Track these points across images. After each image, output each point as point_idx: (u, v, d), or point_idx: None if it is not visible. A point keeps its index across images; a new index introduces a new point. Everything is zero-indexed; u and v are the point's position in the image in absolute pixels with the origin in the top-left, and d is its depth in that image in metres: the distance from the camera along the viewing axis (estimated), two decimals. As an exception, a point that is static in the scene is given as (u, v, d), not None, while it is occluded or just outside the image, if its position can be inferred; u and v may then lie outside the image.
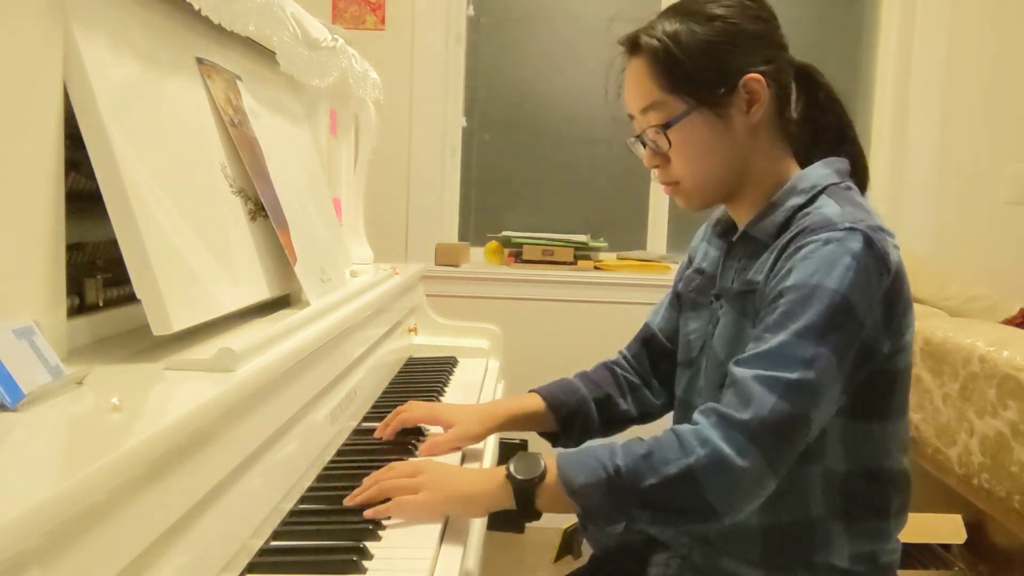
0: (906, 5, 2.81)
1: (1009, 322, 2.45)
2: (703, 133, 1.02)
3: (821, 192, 1.01)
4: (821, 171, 1.04)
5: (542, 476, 0.91)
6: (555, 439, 1.24)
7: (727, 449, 0.87)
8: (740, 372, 0.92)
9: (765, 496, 0.90)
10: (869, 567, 1.03)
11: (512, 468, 0.92)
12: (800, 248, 0.95)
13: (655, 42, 1.02)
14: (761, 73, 1.01)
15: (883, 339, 0.96)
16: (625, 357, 1.29)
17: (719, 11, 1.02)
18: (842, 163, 1.06)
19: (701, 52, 1.01)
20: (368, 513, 0.89)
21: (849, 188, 1.03)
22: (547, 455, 0.96)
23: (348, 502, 0.93)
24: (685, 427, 0.91)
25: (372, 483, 0.94)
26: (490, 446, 1.26)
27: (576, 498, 0.90)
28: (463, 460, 1.15)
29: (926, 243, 2.76)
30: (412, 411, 1.18)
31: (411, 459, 1.07)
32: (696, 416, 0.92)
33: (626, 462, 0.89)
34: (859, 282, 0.91)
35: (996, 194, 2.81)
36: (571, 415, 1.20)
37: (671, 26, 1.02)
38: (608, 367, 1.27)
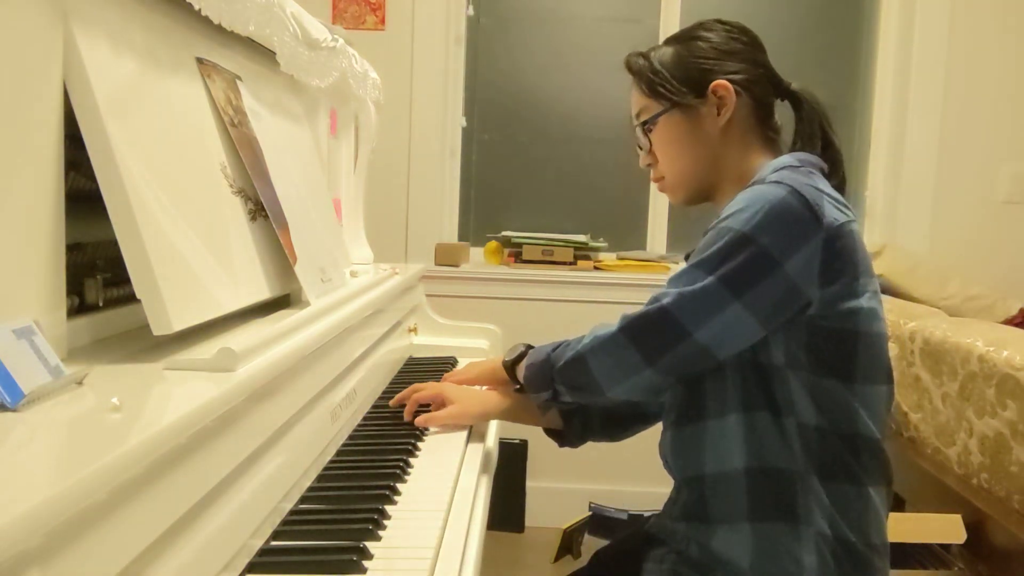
0: (905, 6, 2.81)
1: (1009, 322, 2.45)
2: (676, 131, 1.18)
3: (780, 171, 1.08)
4: (785, 159, 1.12)
5: (520, 358, 1.24)
6: (560, 437, 1.33)
7: (605, 336, 1.09)
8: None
9: (648, 386, 1.08)
10: (859, 544, 1.03)
11: (505, 354, 1.28)
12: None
13: (641, 60, 1.21)
14: (732, 80, 1.14)
15: (813, 289, 1.01)
16: None
17: (701, 34, 1.18)
18: (808, 156, 1.14)
19: (675, 64, 1.18)
20: (420, 420, 1.25)
21: (811, 173, 1.08)
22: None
23: (394, 403, 1.32)
24: (597, 328, 1.12)
25: (409, 392, 1.31)
26: (491, 440, 1.28)
27: (524, 373, 1.22)
28: (468, 439, 1.24)
29: (924, 242, 2.77)
30: (424, 391, 1.32)
31: (431, 384, 1.34)
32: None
33: (554, 352, 1.17)
34: (770, 224, 1.00)
35: (994, 193, 2.81)
36: (571, 410, 1.29)
37: (659, 50, 1.21)
38: None
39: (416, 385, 1.33)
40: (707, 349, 1.03)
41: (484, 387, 1.34)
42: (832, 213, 1.02)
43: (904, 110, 2.81)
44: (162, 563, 0.63)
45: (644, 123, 1.20)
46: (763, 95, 1.18)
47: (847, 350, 1.05)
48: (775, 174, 1.06)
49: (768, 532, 1.04)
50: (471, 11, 2.89)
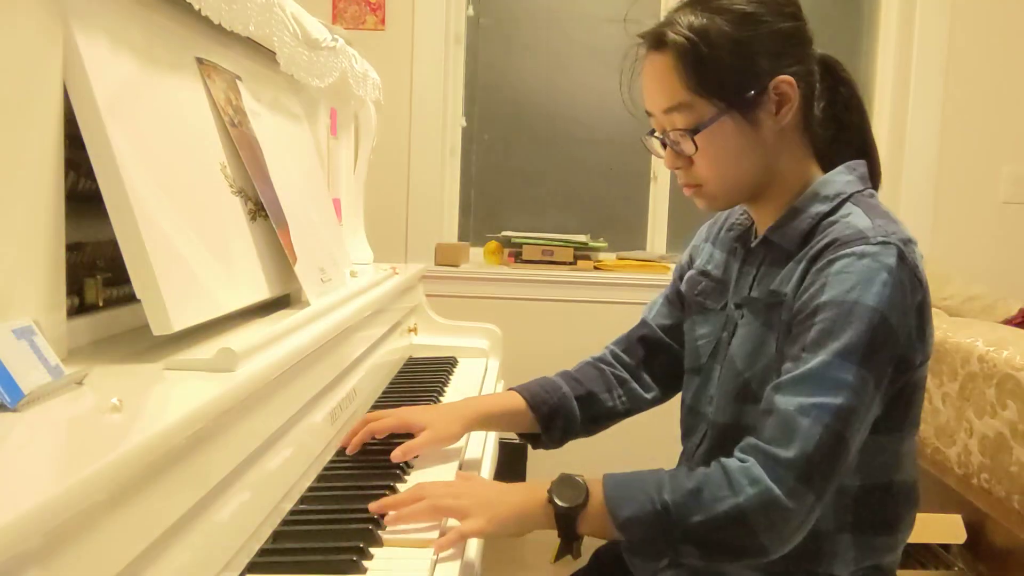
0: (905, 5, 2.81)
1: (1009, 322, 2.45)
2: (732, 137, 0.98)
3: (846, 200, 0.99)
4: (844, 177, 1.02)
5: (584, 502, 0.90)
6: (536, 440, 1.21)
7: (777, 491, 0.85)
8: (781, 401, 0.89)
9: (811, 524, 0.89)
10: (871, 572, 1.03)
11: (555, 495, 0.91)
12: (833, 262, 0.93)
13: (683, 40, 0.96)
14: (792, 74, 0.98)
15: (917, 351, 0.95)
16: (612, 352, 1.26)
17: (750, 8, 0.97)
18: (863, 167, 1.04)
19: (732, 53, 0.96)
20: (442, 544, 0.85)
21: (872, 196, 1.01)
22: (591, 474, 0.94)
23: (391, 519, 0.89)
24: (734, 463, 0.89)
25: (413, 499, 0.91)
26: (489, 449, 1.25)
27: (623, 531, 0.89)
28: (460, 467, 1.12)
29: (924, 242, 2.76)
30: (381, 420, 1.11)
31: (446, 480, 1.00)
32: (739, 455, 0.90)
33: (674, 497, 0.88)
34: (895, 298, 0.90)
35: (995, 194, 2.81)
36: (552, 412, 1.17)
37: (699, 21, 0.97)
38: (593, 364, 1.25)
39: (407, 494, 0.93)
40: (852, 454, 0.89)
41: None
42: (921, 265, 0.94)
43: (904, 111, 2.81)
44: (162, 563, 0.62)
45: (692, 131, 0.97)
46: (814, 81, 1.02)
47: (905, 403, 0.99)
48: (875, 226, 0.94)
49: (784, 570, 1.00)
50: (471, 11, 2.89)
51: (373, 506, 0.91)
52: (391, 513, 0.90)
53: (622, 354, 1.26)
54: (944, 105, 2.78)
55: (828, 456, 0.87)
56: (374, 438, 1.11)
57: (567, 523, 0.90)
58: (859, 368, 0.88)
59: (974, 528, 1.96)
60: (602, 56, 2.89)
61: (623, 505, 0.89)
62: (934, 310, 1.63)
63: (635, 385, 1.23)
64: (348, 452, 1.09)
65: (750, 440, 0.91)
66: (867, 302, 0.89)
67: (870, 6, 2.90)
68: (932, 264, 2.59)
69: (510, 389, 1.21)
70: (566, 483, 0.92)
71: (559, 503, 0.90)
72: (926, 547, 2.07)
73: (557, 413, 1.18)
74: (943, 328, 2.00)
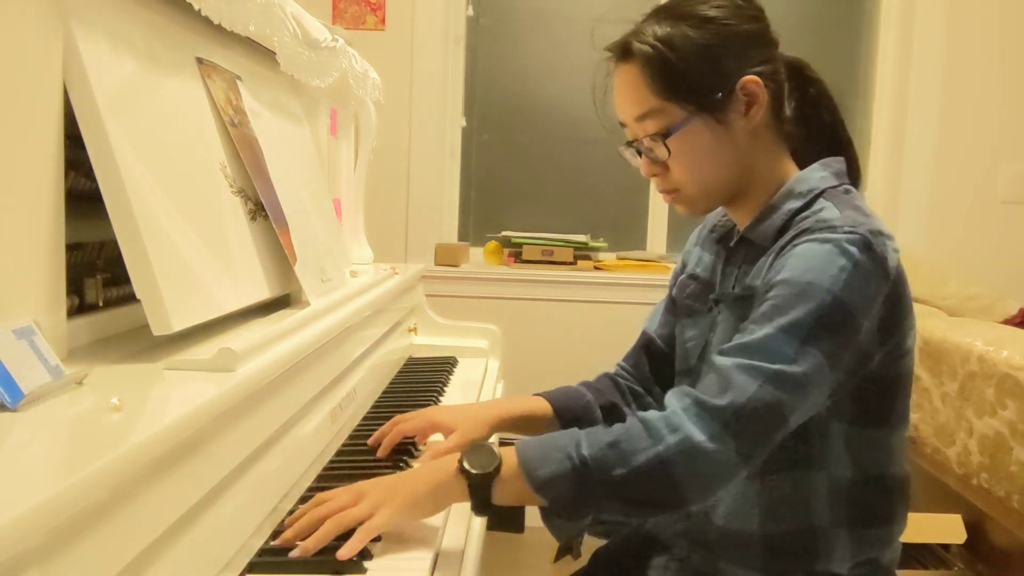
0: (905, 5, 2.81)
1: (1008, 322, 2.45)
2: (704, 139, 1.00)
3: (819, 195, 1.00)
4: (818, 173, 1.02)
5: (497, 469, 0.87)
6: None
7: (699, 436, 0.85)
8: (720, 360, 0.90)
9: (733, 483, 0.88)
10: (870, 570, 1.03)
11: (465, 462, 0.87)
12: (797, 246, 0.94)
13: (648, 48, 0.99)
14: (758, 74, 0.99)
15: (876, 346, 0.95)
16: (624, 368, 1.27)
17: (712, 13, 0.99)
18: (839, 163, 1.05)
19: (697, 56, 0.98)
20: (342, 553, 0.79)
21: (848, 191, 1.02)
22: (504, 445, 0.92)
23: (297, 553, 0.81)
24: (653, 413, 0.89)
25: (316, 521, 0.84)
26: (491, 440, 1.25)
27: (542, 492, 0.86)
28: None
29: (923, 242, 2.77)
30: (409, 421, 1.12)
31: (348, 485, 0.90)
32: (668, 399, 0.90)
33: (592, 452, 0.86)
34: (855, 285, 0.90)
35: (994, 193, 2.81)
36: (575, 420, 1.16)
37: (663, 30, 0.99)
38: (610, 377, 1.25)
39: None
40: (787, 427, 0.89)
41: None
42: (892, 258, 0.94)
43: (903, 109, 2.81)
44: (162, 563, 0.63)
45: (664, 135, 0.99)
46: (782, 81, 1.04)
47: (893, 396, 1.00)
48: (844, 217, 0.94)
49: (782, 569, 1.02)
50: (471, 11, 2.89)
51: (278, 541, 0.83)
52: (298, 546, 0.81)
53: (631, 368, 1.26)
54: (943, 104, 2.78)
55: (759, 415, 0.86)
56: (405, 437, 1.11)
57: (481, 491, 0.87)
58: (802, 345, 0.88)
59: (974, 528, 1.96)
60: (602, 56, 2.89)
61: (540, 466, 0.86)
62: (931, 309, 1.64)
63: (650, 400, 1.24)
64: (379, 455, 1.09)
65: (684, 387, 0.91)
66: (821, 283, 0.89)
67: (870, 6, 2.91)
68: (930, 263, 2.60)
69: (535, 395, 1.19)
70: (477, 450, 0.89)
71: (470, 470, 0.87)
72: (926, 547, 2.07)
73: (580, 421, 1.17)
74: (942, 328, 2.00)
